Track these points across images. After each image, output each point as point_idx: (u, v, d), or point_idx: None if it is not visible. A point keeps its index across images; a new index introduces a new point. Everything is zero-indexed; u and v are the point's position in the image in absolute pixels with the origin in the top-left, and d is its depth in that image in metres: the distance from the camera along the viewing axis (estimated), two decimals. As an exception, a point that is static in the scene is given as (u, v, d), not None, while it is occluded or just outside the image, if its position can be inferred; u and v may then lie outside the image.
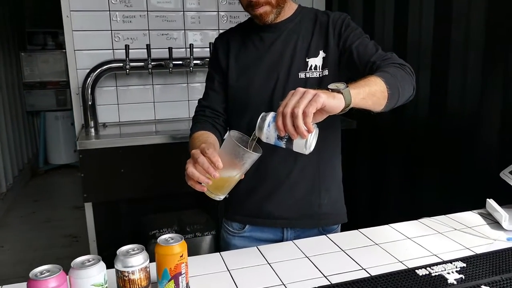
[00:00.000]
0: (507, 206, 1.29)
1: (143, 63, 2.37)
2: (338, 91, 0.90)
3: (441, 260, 1.05)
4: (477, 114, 1.74)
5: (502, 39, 1.62)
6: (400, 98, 1.05)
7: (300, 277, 1.00)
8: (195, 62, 2.43)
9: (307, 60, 1.20)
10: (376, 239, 1.18)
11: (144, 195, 2.29)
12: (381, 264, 1.04)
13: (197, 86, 2.67)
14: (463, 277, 0.96)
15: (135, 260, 0.85)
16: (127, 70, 2.33)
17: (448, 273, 0.98)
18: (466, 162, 1.81)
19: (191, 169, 0.97)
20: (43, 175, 5.13)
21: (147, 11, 2.51)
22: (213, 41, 1.47)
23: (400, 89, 1.04)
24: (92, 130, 2.36)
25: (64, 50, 3.07)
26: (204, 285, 0.98)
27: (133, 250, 0.88)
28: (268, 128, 0.93)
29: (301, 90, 0.88)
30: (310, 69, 1.20)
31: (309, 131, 0.87)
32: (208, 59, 2.37)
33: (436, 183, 1.96)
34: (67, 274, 0.80)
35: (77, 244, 3.28)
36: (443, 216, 1.32)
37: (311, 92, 0.86)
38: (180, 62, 2.45)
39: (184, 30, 2.61)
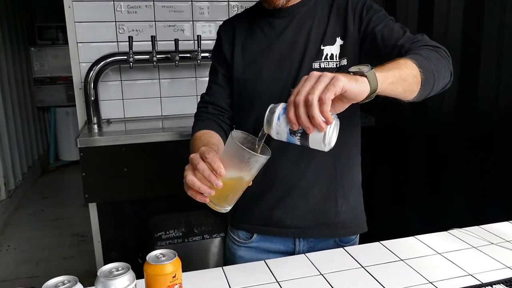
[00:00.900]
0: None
1: (148, 56, 2.25)
2: (362, 74, 0.75)
3: (479, 283, 0.91)
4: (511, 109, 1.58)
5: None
6: (436, 84, 0.91)
7: (313, 300, 0.86)
8: (203, 54, 2.30)
9: (322, 48, 1.06)
10: (400, 253, 1.05)
11: (149, 196, 2.19)
12: (408, 286, 0.91)
13: (206, 80, 2.51)
14: (508, 305, 0.81)
15: (118, 283, 0.74)
16: (131, 63, 2.21)
17: (490, 299, 0.84)
18: (499, 164, 1.65)
19: (190, 177, 0.83)
20: (54, 171, 5.10)
21: (153, 1, 2.40)
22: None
23: (435, 73, 0.89)
24: (95, 126, 2.26)
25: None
26: (201, 309, 0.85)
27: (117, 270, 0.77)
28: (278, 122, 0.77)
29: (316, 74, 0.73)
30: (326, 58, 1.06)
31: (327, 123, 0.72)
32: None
33: (465, 187, 1.80)
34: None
35: (84, 244, 3.22)
36: (476, 227, 1.18)
37: (328, 75, 0.72)
38: (188, 55, 2.33)
39: (193, 21, 2.49)
